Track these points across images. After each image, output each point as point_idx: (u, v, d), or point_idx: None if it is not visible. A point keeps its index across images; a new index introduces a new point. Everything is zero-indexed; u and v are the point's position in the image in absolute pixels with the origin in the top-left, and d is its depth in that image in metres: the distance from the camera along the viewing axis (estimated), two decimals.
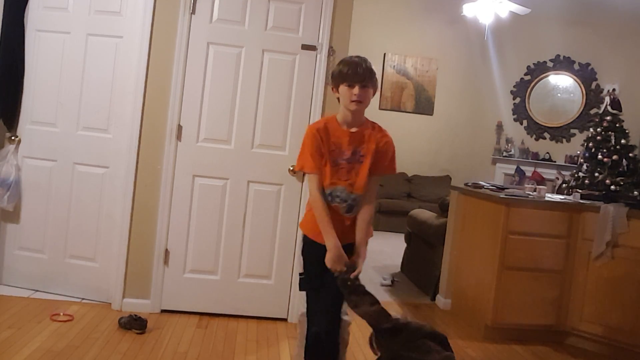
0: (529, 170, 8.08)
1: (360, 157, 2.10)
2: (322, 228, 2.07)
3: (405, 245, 5.10)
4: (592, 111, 7.77)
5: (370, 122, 2.16)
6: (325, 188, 2.09)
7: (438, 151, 8.35)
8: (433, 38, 8.22)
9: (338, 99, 2.12)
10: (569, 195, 3.93)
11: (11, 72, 3.39)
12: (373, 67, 2.08)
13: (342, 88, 2.06)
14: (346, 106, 2.07)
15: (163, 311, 3.28)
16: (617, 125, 4.22)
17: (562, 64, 8.36)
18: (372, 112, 10.14)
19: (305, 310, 2.20)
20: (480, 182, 3.98)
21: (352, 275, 2.02)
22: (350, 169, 2.09)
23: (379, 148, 2.12)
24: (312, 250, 2.15)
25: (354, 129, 2.10)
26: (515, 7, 6.47)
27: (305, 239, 2.20)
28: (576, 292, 3.41)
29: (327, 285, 2.10)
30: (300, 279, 2.23)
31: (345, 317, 2.31)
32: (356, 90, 2.03)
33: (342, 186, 2.09)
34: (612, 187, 3.94)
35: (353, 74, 2.03)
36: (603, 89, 7.58)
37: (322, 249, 2.09)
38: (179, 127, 3.25)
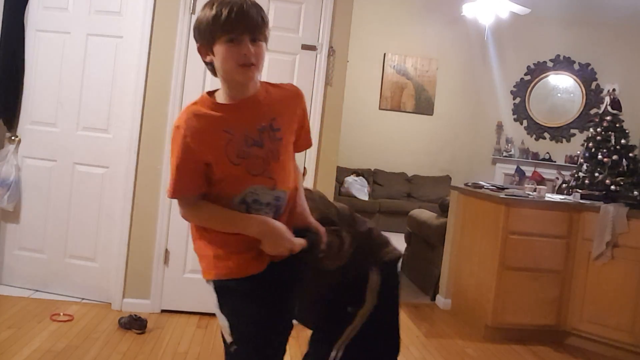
0: (529, 170, 8.07)
1: (275, 133, 1.40)
2: (234, 221, 1.38)
3: (405, 245, 5.10)
4: (592, 111, 7.76)
5: (266, 82, 1.47)
6: (234, 195, 1.38)
7: (438, 151, 8.35)
8: (433, 38, 8.21)
9: (210, 68, 1.40)
10: (569, 195, 3.93)
11: (11, 72, 3.39)
12: (261, 7, 1.37)
13: (222, 46, 1.32)
14: (231, 75, 1.35)
15: (163, 311, 3.28)
16: (617, 125, 4.22)
17: (562, 64, 8.35)
18: (372, 112, 10.18)
19: None
20: (480, 182, 3.98)
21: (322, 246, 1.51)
22: (268, 156, 1.39)
23: (294, 111, 1.47)
24: (243, 293, 1.40)
25: (241, 99, 1.40)
26: (515, 7, 6.47)
27: (225, 285, 1.42)
28: (576, 292, 3.41)
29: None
30: (232, 353, 1.43)
31: None
32: (246, 46, 1.32)
33: (260, 185, 1.39)
34: (612, 187, 3.94)
35: (237, 19, 1.30)
36: (603, 89, 7.56)
37: (263, 281, 1.40)
38: None
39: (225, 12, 1.30)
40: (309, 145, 1.56)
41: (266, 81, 1.47)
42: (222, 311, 1.42)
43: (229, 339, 1.42)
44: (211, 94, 1.42)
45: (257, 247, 1.39)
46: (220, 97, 1.40)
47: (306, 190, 1.62)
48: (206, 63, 1.40)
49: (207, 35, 1.34)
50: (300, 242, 1.42)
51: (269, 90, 1.45)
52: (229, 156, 1.35)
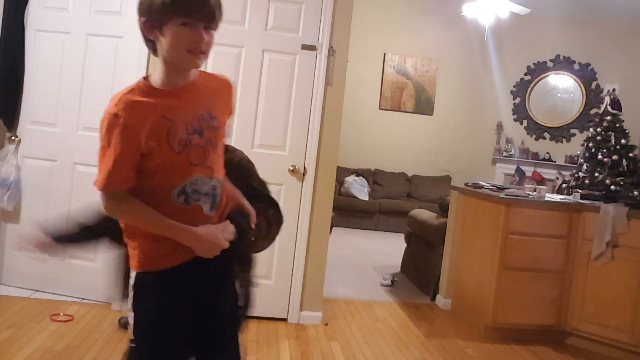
0: (529, 170, 8.08)
1: (213, 122, 1.38)
2: (165, 228, 1.32)
3: (405, 245, 5.10)
4: (592, 111, 7.76)
5: (203, 72, 1.44)
6: (174, 186, 1.33)
7: (438, 151, 8.35)
8: (433, 38, 8.22)
9: (151, 45, 1.35)
10: (569, 195, 3.93)
11: (11, 72, 3.39)
12: None
13: (174, 28, 1.27)
14: (177, 60, 1.31)
15: None
16: (617, 125, 4.22)
17: (562, 64, 8.36)
18: (372, 112, 10.19)
19: None
20: (480, 182, 3.98)
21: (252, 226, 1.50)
22: (207, 144, 1.36)
23: (227, 100, 1.47)
24: (161, 290, 1.35)
25: (181, 85, 1.35)
26: (515, 7, 6.47)
27: (143, 279, 1.36)
28: (576, 292, 3.41)
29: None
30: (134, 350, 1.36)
31: None
32: (200, 33, 1.28)
33: (200, 175, 1.35)
34: (612, 187, 3.94)
35: (197, 4, 1.27)
36: (603, 89, 7.57)
37: (180, 279, 1.36)
38: None
39: None
40: (228, 115, 1.52)
41: (201, 69, 1.42)
42: (135, 308, 1.37)
43: (131, 337, 1.37)
44: (146, 79, 1.36)
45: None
46: (157, 82, 1.34)
47: (227, 148, 1.58)
48: (147, 40, 1.35)
49: (159, 14, 1.27)
50: (228, 236, 1.39)
51: (206, 78, 1.42)
52: (170, 144, 1.29)
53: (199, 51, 1.30)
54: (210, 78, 1.45)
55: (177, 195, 1.33)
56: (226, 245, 1.38)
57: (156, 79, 1.34)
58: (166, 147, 1.29)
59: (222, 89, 1.46)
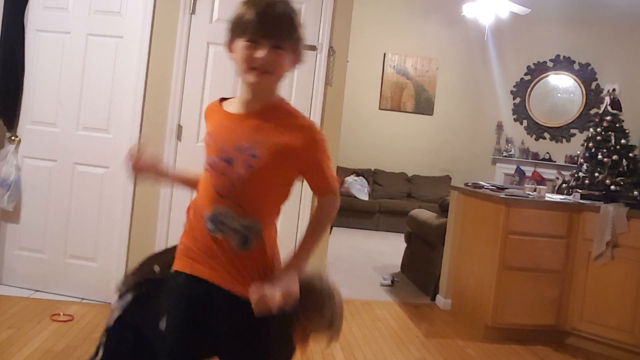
0: (529, 170, 8.08)
1: (251, 159, 1.27)
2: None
3: (405, 245, 5.10)
4: (592, 111, 7.76)
5: (285, 104, 1.36)
6: (205, 212, 1.31)
7: (438, 151, 8.35)
8: (433, 38, 8.22)
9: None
10: (569, 195, 3.93)
11: (11, 72, 3.39)
12: (296, 16, 1.29)
13: (239, 46, 1.27)
14: (243, 77, 1.30)
15: None
16: (617, 125, 4.22)
17: (562, 64, 8.36)
18: (372, 112, 10.18)
19: None
20: (480, 182, 3.98)
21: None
22: (235, 178, 1.28)
23: (293, 147, 1.28)
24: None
25: (243, 111, 1.33)
26: (515, 7, 6.47)
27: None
28: (576, 292, 3.41)
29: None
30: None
31: None
32: (262, 51, 1.24)
33: (227, 208, 1.28)
34: (612, 187, 3.94)
35: (260, 21, 1.24)
36: (603, 89, 7.57)
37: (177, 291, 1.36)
38: (179, 127, 3.25)
39: (251, 13, 1.25)
40: (325, 191, 1.37)
41: (288, 103, 1.37)
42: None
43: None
44: (231, 98, 1.42)
45: (207, 252, 1.31)
46: (232, 102, 1.39)
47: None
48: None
49: (231, 31, 1.31)
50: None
51: (281, 113, 1.33)
52: (206, 160, 1.35)
53: (262, 70, 1.26)
54: (289, 117, 1.33)
55: (206, 220, 1.30)
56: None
57: (235, 98, 1.40)
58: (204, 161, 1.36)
59: (293, 132, 1.30)
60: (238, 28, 1.28)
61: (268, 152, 1.27)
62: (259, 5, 1.25)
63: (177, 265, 1.36)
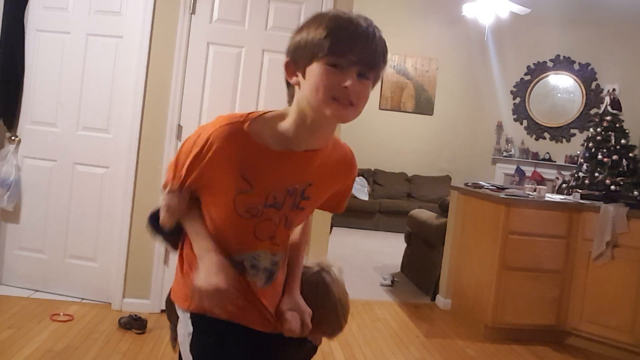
0: (529, 170, 8.08)
1: (302, 201, 1.18)
2: (195, 241, 1.20)
3: (405, 245, 5.10)
4: (592, 111, 7.76)
5: (332, 139, 1.20)
6: (232, 254, 1.17)
7: (438, 151, 8.35)
8: (433, 38, 8.21)
9: (290, 92, 1.14)
10: (569, 195, 3.93)
11: (11, 72, 3.39)
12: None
13: (318, 69, 1.04)
14: (316, 107, 1.05)
15: (163, 311, 3.27)
16: (617, 125, 4.23)
17: (562, 64, 8.35)
18: (372, 112, 10.22)
19: None
20: (480, 182, 3.98)
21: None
22: (280, 220, 1.18)
23: (339, 182, 1.26)
24: (225, 340, 1.18)
25: (294, 148, 1.13)
26: (515, 7, 6.47)
27: (202, 322, 1.18)
28: (576, 292, 3.41)
29: None
30: None
31: None
32: (350, 80, 1.03)
33: (263, 250, 1.19)
34: (612, 187, 3.95)
35: (355, 44, 1.03)
36: (603, 89, 7.57)
37: (246, 336, 1.20)
38: (179, 127, 3.25)
39: (340, 33, 1.02)
40: (336, 210, 1.35)
41: (337, 139, 1.23)
42: (191, 350, 1.19)
43: None
44: (263, 122, 1.12)
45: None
46: (284, 128, 1.11)
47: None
48: (288, 84, 1.14)
49: (306, 52, 1.05)
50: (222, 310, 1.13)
51: (333, 150, 1.20)
52: (236, 207, 1.14)
53: (347, 101, 1.04)
54: (336, 151, 1.21)
55: (236, 263, 1.17)
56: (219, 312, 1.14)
57: (284, 125, 1.12)
58: (228, 208, 1.14)
59: (339, 167, 1.23)
60: (318, 49, 1.02)
61: (320, 192, 1.20)
62: (351, 25, 1.03)
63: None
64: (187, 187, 1.18)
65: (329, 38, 1.02)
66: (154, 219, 1.29)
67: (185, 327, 1.20)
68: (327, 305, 1.37)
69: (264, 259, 1.19)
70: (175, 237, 1.29)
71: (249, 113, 1.13)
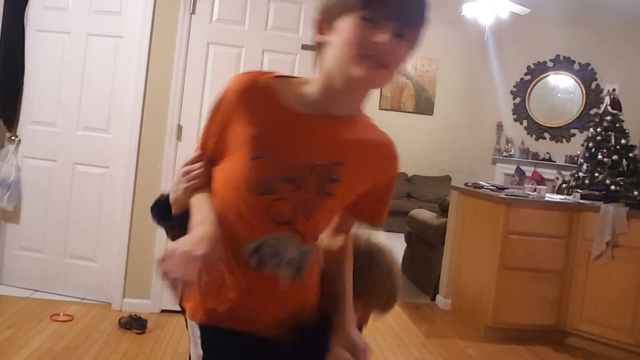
0: (529, 170, 8.06)
1: (328, 184, 0.98)
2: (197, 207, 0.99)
3: (405, 245, 5.10)
4: (592, 111, 7.75)
5: (367, 118, 1.07)
6: (247, 239, 0.98)
7: (438, 151, 8.35)
8: (433, 38, 8.18)
9: (317, 51, 1.00)
10: (569, 195, 3.93)
11: (11, 72, 3.39)
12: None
13: (349, 23, 0.92)
14: (343, 66, 0.93)
15: (163, 311, 3.28)
16: (617, 125, 4.22)
17: (562, 64, 8.35)
18: (372, 112, 10.26)
19: None
20: (480, 182, 3.98)
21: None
22: (300, 202, 0.97)
23: (376, 171, 1.06)
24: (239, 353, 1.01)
25: (320, 112, 0.99)
26: (515, 7, 6.47)
27: (214, 334, 1.01)
28: (576, 292, 3.41)
29: None
30: None
31: None
32: (384, 35, 0.90)
33: (280, 234, 0.98)
34: (612, 187, 3.94)
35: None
36: (603, 89, 7.57)
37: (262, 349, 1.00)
38: (179, 127, 3.25)
39: None
40: (377, 220, 1.13)
41: (368, 117, 1.07)
42: None
43: None
44: (286, 81, 1.00)
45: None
46: (295, 95, 0.98)
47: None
48: (316, 45, 1.00)
49: (338, 4, 0.93)
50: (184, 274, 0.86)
51: (365, 126, 1.05)
52: (247, 178, 0.96)
53: (380, 61, 0.91)
54: (371, 130, 1.06)
55: (249, 253, 0.98)
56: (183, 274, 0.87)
57: (310, 88, 0.99)
58: (240, 178, 0.96)
59: (380, 149, 1.06)
60: (351, 0, 0.91)
61: (353, 177, 1.00)
62: None
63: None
64: (207, 154, 1.03)
65: None
66: (159, 206, 1.13)
67: (195, 348, 1.03)
68: (382, 275, 1.22)
69: (289, 245, 0.98)
70: (181, 228, 1.05)
71: (272, 71, 1.01)
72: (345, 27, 0.92)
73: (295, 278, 1.01)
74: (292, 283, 1.01)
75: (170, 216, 1.08)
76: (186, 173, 1.03)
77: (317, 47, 0.99)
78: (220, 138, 1.00)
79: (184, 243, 0.88)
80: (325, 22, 0.96)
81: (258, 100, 0.97)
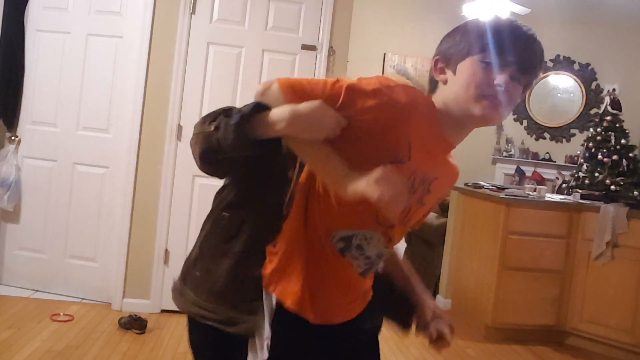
0: (529, 170, 8.07)
1: (425, 193, 1.10)
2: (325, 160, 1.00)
3: (405, 245, 5.09)
4: (592, 111, 7.75)
5: None
6: (342, 226, 1.05)
7: None
8: (433, 38, 8.10)
9: (433, 86, 1.10)
10: (569, 195, 3.93)
11: (11, 72, 3.39)
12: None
13: (471, 65, 1.00)
14: (463, 105, 1.02)
15: (163, 311, 3.28)
16: (617, 125, 4.22)
17: (562, 64, 8.35)
18: None
19: None
20: (480, 182, 3.98)
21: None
22: (406, 209, 1.07)
23: (441, 195, 1.23)
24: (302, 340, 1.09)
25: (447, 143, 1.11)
26: (515, 7, 6.47)
27: (286, 319, 1.05)
28: (576, 292, 3.41)
29: None
30: None
31: None
32: (503, 76, 0.99)
33: (372, 232, 1.07)
34: (612, 187, 3.94)
35: (514, 45, 1.00)
36: (603, 89, 7.57)
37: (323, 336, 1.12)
38: (179, 127, 3.25)
39: (503, 30, 1.00)
40: (417, 224, 1.23)
41: None
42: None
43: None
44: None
45: (359, 290, 1.17)
46: (439, 119, 1.09)
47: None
48: (431, 80, 1.10)
49: (461, 48, 1.02)
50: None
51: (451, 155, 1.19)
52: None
53: (496, 100, 0.99)
54: (450, 156, 1.20)
55: (337, 240, 1.05)
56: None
57: (439, 117, 1.08)
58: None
59: (451, 173, 1.20)
60: (475, 45, 1.00)
61: (437, 191, 1.13)
62: (512, 25, 1.01)
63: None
64: (341, 109, 0.99)
65: (487, 35, 1.00)
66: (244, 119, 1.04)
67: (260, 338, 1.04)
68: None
69: (375, 244, 1.07)
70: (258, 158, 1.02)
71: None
72: (466, 69, 1.01)
73: (365, 273, 1.12)
74: (361, 277, 1.12)
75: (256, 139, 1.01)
76: (324, 117, 0.97)
77: (434, 84, 1.09)
78: (360, 117, 0.99)
79: (386, 171, 0.92)
80: (445, 62, 1.06)
81: (423, 114, 1.04)
